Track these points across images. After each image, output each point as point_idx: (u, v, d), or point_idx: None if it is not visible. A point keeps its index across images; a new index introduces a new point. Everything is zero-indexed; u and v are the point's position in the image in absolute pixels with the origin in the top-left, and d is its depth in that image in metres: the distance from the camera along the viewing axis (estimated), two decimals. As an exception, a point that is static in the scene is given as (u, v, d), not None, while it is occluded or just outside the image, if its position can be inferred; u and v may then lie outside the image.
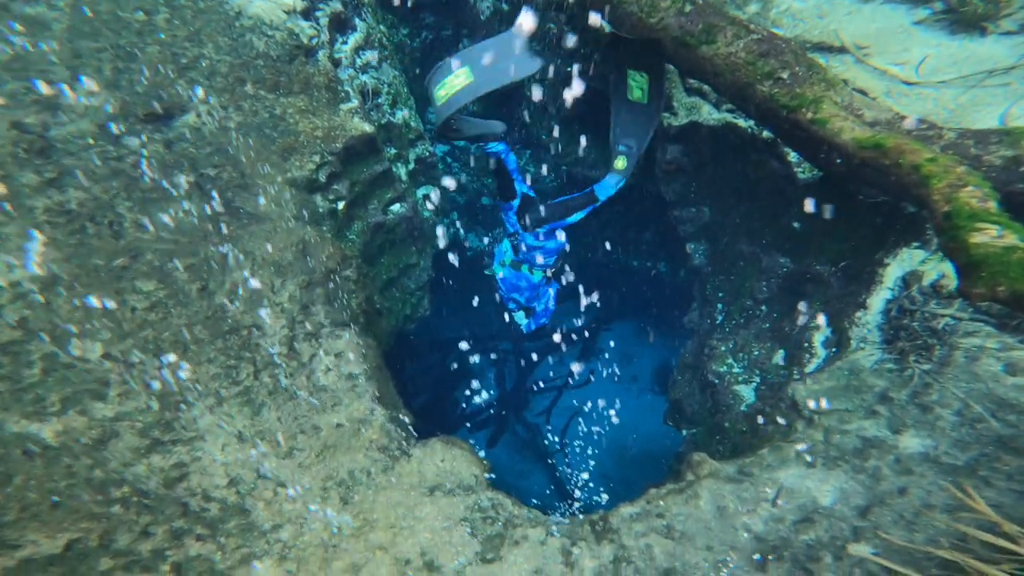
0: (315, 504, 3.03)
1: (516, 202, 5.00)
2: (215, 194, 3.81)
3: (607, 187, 5.15)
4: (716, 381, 5.42)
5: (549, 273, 5.33)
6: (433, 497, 3.24)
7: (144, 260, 3.26)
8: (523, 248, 5.08)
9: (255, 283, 3.50)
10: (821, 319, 4.49)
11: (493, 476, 3.65)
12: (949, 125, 3.58)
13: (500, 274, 5.31)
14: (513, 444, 11.21)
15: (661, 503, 3.37)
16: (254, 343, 3.39)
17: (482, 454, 3.68)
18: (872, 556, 2.98)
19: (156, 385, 2.99)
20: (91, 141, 3.27)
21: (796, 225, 4.76)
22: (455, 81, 4.10)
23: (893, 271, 3.82)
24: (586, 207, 5.22)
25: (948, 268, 3.57)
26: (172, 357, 3.08)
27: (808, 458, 3.46)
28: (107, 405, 2.89)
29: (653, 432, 10.73)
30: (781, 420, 4.02)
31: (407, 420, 3.99)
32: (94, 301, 2.93)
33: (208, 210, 3.66)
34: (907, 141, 2.92)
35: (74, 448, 2.78)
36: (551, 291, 5.54)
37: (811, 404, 3.67)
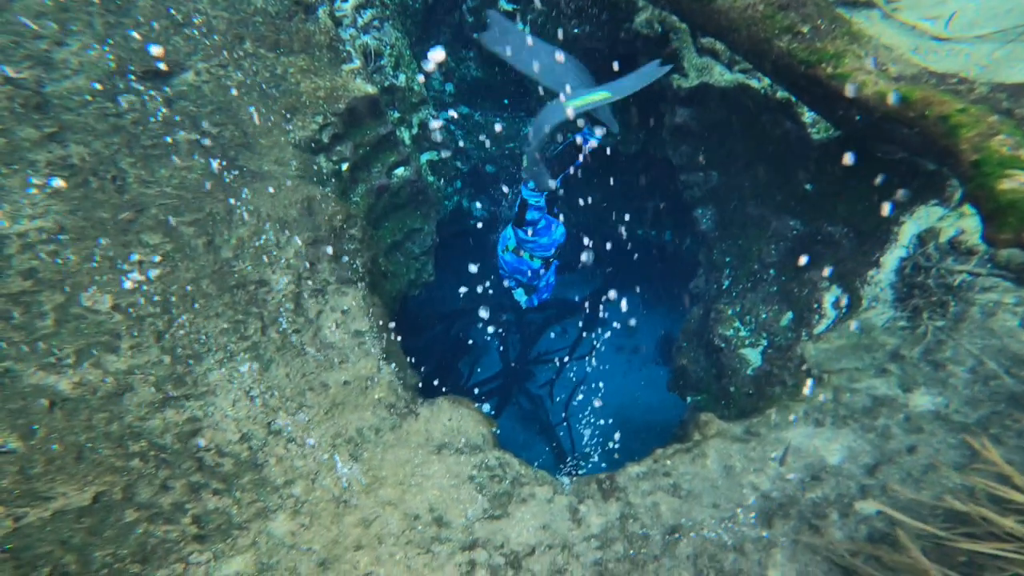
0: (327, 454, 3.03)
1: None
2: (218, 152, 3.71)
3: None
4: (722, 345, 5.37)
5: (549, 260, 5.50)
6: (441, 455, 3.22)
7: (149, 214, 3.19)
8: (527, 235, 5.25)
9: (261, 241, 3.43)
10: (828, 273, 4.40)
11: (498, 431, 3.64)
12: (981, 80, 3.42)
13: (504, 257, 5.52)
14: (516, 416, 11.27)
15: (668, 462, 3.35)
16: (261, 299, 3.34)
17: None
18: (877, 513, 2.96)
19: (166, 338, 2.95)
20: (89, 98, 3.17)
21: (808, 187, 4.64)
22: (594, 98, 4.60)
23: (909, 229, 3.72)
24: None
25: (967, 224, 3.47)
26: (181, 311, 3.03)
27: (815, 416, 3.42)
28: (120, 358, 2.86)
29: (656, 403, 10.76)
30: (789, 380, 3.98)
31: (412, 381, 3.96)
32: (101, 253, 2.88)
33: (211, 167, 3.57)
34: (935, 93, 2.79)
35: (91, 401, 2.76)
36: (551, 275, 5.74)
37: (805, 391, 3.61)
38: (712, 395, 5.73)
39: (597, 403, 10.83)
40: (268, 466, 2.94)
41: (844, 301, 4.30)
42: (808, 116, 4.71)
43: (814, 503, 3.09)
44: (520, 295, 6.01)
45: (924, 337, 3.42)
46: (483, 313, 9.82)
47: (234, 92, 3.85)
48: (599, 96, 4.68)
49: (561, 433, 10.17)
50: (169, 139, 3.42)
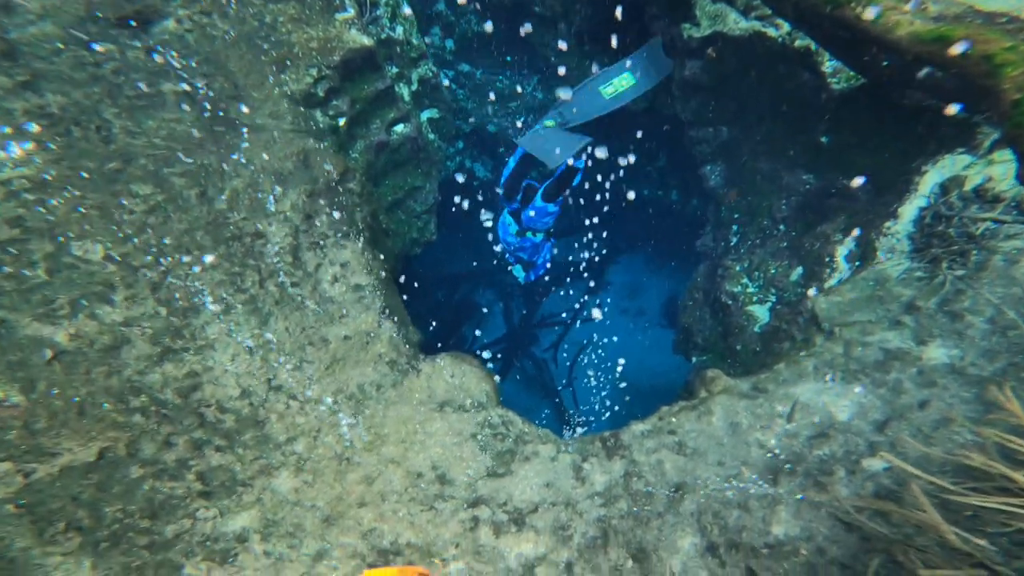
0: (328, 407, 2.96)
1: (516, 203, 5.76)
2: (207, 104, 3.52)
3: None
4: (729, 302, 5.23)
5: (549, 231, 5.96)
6: (443, 413, 3.15)
7: (138, 164, 3.04)
8: (529, 214, 5.70)
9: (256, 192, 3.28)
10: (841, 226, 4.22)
11: (499, 377, 3.56)
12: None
13: (507, 239, 5.99)
14: (521, 379, 11.25)
15: (673, 420, 3.26)
16: (258, 251, 3.22)
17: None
18: (885, 470, 2.88)
19: (162, 289, 2.84)
20: (60, 45, 2.97)
21: (824, 139, 4.40)
22: (621, 83, 5.29)
23: (931, 178, 3.51)
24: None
25: (995, 172, 3.26)
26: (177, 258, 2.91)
27: (826, 372, 3.31)
28: (115, 309, 2.77)
29: (661, 366, 10.70)
30: (799, 336, 3.86)
31: (414, 337, 3.87)
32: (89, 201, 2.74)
33: (201, 118, 3.39)
34: (980, 31, 2.54)
35: (89, 354, 2.68)
36: (549, 245, 6.19)
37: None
38: (718, 354, 5.64)
39: (618, 365, 10.74)
40: (270, 423, 2.88)
41: (858, 254, 4.13)
42: (828, 65, 4.42)
43: (821, 460, 3.00)
44: (518, 271, 6.41)
45: (942, 287, 3.26)
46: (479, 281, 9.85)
47: (220, 43, 3.62)
48: (627, 84, 5.42)
49: (566, 401, 10.16)
50: (154, 90, 3.22)
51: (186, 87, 3.37)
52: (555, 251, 6.41)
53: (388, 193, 5.44)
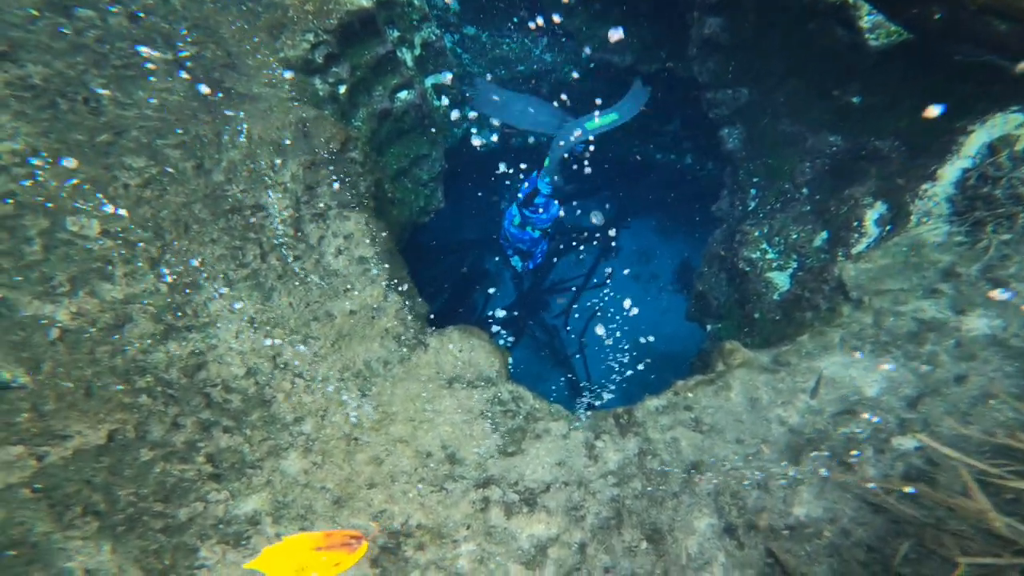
0: (334, 385, 2.83)
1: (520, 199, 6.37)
2: (200, 73, 3.28)
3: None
4: (747, 268, 4.97)
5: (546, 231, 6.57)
6: (452, 389, 3.01)
7: (130, 136, 2.84)
8: (533, 212, 6.31)
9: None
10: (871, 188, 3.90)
11: (511, 360, 3.41)
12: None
13: (510, 230, 6.55)
14: (531, 346, 11.13)
15: (689, 395, 3.08)
16: (258, 224, 3.04)
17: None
18: (917, 449, 2.68)
19: (163, 267, 2.69)
20: (35, 13, 2.73)
21: (856, 100, 4.02)
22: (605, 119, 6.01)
23: (978, 138, 3.17)
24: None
25: (1052, 127, 2.92)
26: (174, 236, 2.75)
27: (854, 345, 3.08)
28: (115, 286, 2.63)
29: (674, 332, 10.48)
30: (824, 305, 3.61)
31: (421, 310, 3.71)
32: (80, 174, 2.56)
33: (194, 88, 3.16)
34: None
35: (92, 333, 2.55)
36: (544, 244, 6.79)
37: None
38: (734, 322, 5.41)
39: (613, 330, 10.56)
40: (276, 402, 2.76)
41: (889, 218, 3.82)
42: (867, 20, 4.00)
43: (847, 438, 2.81)
44: (517, 262, 7.00)
45: (986, 252, 2.98)
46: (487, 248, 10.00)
47: (208, 7, 3.35)
48: (610, 119, 6.08)
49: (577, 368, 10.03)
50: (141, 59, 2.99)
51: (175, 56, 3.13)
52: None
53: (393, 161, 5.20)
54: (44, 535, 2.26)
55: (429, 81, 5.56)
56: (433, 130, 5.49)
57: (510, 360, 3.37)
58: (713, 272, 5.93)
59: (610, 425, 3.04)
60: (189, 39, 3.30)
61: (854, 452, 2.73)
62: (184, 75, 3.17)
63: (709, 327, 5.92)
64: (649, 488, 2.75)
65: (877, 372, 2.97)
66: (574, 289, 10.41)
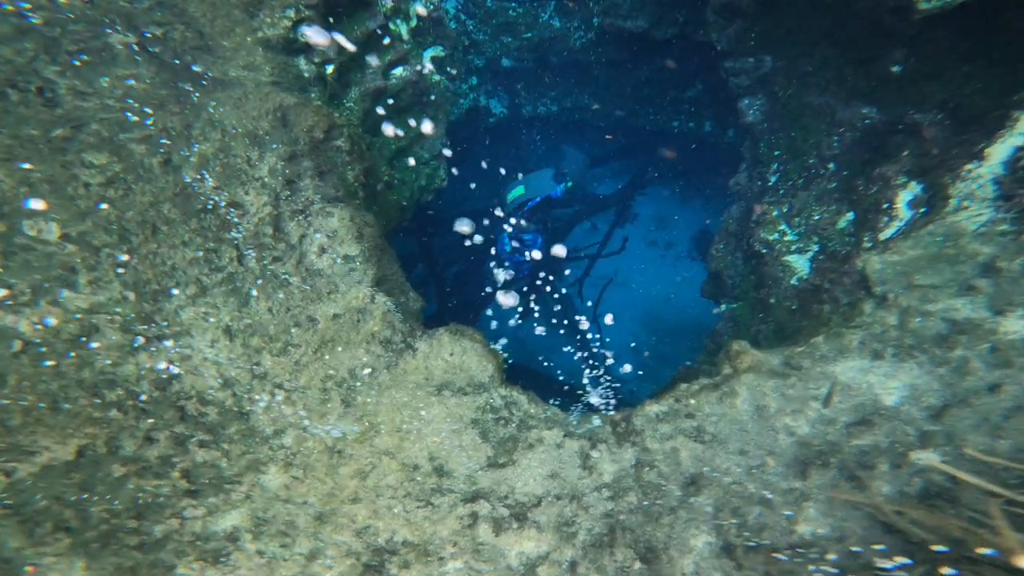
0: (317, 399, 2.68)
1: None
2: (168, 56, 3.03)
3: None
4: (764, 251, 4.61)
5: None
6: (441, 397, 2.84)
7: (89, 130, 2.64)
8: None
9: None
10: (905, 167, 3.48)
11: (510, 356, 3.21)
12: None
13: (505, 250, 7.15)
14: (545, 316, 10.90)
15: (692, 401, 2.85)
16: (234, 223, 2.84)
17: (497, 348, 3.20)
18: (939, 464, 2.42)
19: (128, 273, 2.53)
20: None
21: (896, 69, 3.55)
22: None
23: (1034, 114, 2.75)
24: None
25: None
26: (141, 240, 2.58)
27: (874, 348, 2.79)
28: (79, 295, 2.48)
29: (690, 302, 10.13)
30: (844, 299, 3.30)
31: (415, 305, 3.52)
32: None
33: (161, 74, 2.92)
34: None
35: (56, 345, 2.43)
36: (529, 266, 7.46)
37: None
38: (749, 303, 5.09)
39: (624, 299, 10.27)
40: (255, 414, 2.63)
41: (925, 200, 3.43)
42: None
43: (861, 451, 2.57)
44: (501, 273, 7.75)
45: (1033, 248, 2.62)
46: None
47: None
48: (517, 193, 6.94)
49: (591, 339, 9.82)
50: (100, 43, 2.75)
51: (137, 39, 2.88)
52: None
53: (391, 141, 4.90)
54: (16, 551, 2.21)
55: (428, 54, 5.18)
56: (433, 105, 5.15)
57: (507, 358, 3.18)
58: (728, 250, 5.58)
59: (607, 432, 2.85)
60: (153, 18, 3.03)
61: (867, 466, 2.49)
62: (150, 61, 2.92)
63: (724, 307, 5.61)
64: (645, 502, 2.58)
65: (898, 379, 2.69)
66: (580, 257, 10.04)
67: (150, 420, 2.48)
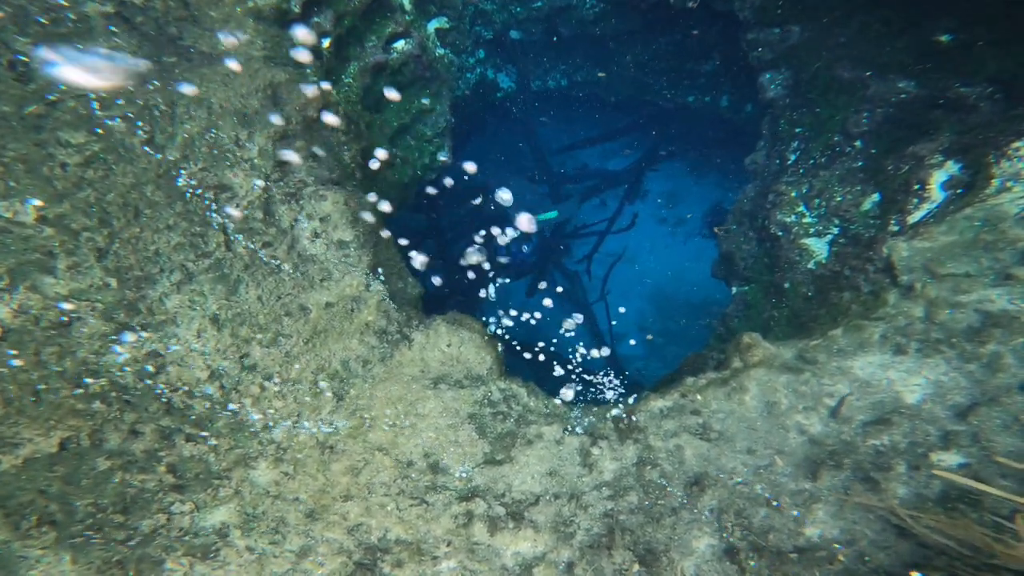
0: (309, 392, 2.58)
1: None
2: (151, 28, 2.85)
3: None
4: (780, 233, 4.38)
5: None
6: (437, 390, 2.72)
7: (66, 107, 2.49)
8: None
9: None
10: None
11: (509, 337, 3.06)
12: None
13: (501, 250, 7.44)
14: (553, 292, 10.75)
15: (698, 397, 2.70)
16: (221, 207, 2.71)
17: (492, 334, 3.06)
18: (960, 466, 2.25)
19: (110, 257, 2.42)
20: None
21: (945, 38, 3.23)
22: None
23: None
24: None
25: None
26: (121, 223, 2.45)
27: (898, 343, 2.59)
28: (58, 280, 2.37)
29: (701, 280, 9.91)
30: (866, 287, 3.09)
31: (413, 291, 3.38)
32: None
33: (143, 46, 2.75)
34: None
35: (36, 333, 2.33)
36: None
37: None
38: (762, 287, 4.88)
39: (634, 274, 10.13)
40: (244, 408, 2.54)
41: (962, 181, 3.16)
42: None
43: (877, 451, 2.41)
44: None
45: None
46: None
47: None
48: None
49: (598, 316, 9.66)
50: (75, 12, 2.58)
51: (117, 8, 2.70)
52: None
53: (393, 118, 4.70)
54: (3, 543, 2.16)
55: (432, 25, 4.91)
56: (437, 80, 4.92)
57: (502, 351, 3.05)
58: (742, 231, 5.33)
59: (609, 429, 2.72)
60: None
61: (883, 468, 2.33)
62: (130, 32, 2.74)
63: (735, 289, 5.40)
64: (646, 502, 2.46)
65: (922, 375, 2.50)
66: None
67: (135, 413, 2.40)
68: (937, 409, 2.43)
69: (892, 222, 3.44)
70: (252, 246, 2.72)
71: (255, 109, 2.95)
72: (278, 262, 2.76)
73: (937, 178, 3.19)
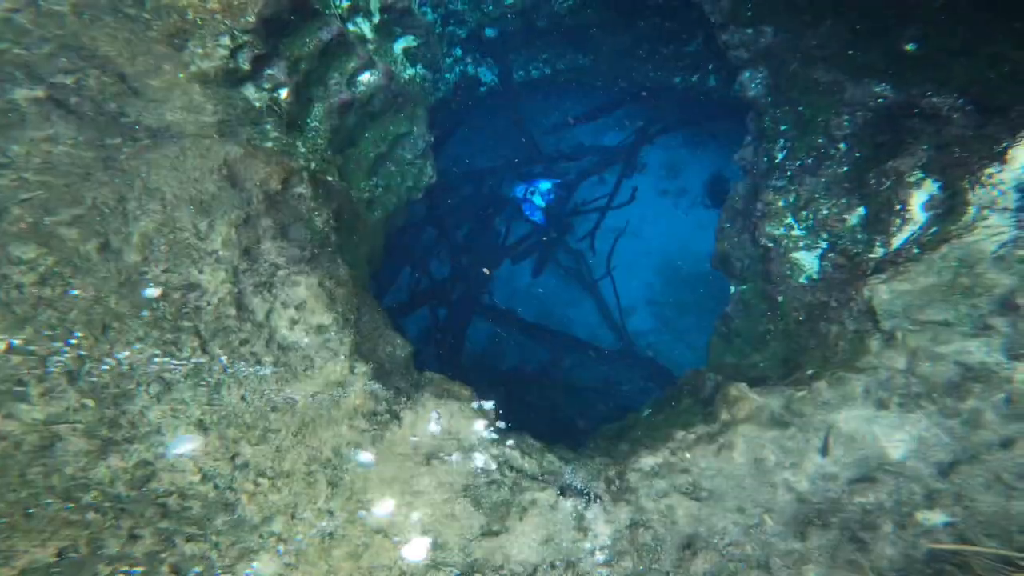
0: (302, 484, 2.64)
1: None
2: (89, 109, 2.73)
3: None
4: (770, 245, 4.31)
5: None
6: (430, 466, 2.77)
7: (10, 218, 2.43)
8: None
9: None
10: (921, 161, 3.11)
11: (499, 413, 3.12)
12: None
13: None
14: (559, 270, 10.72)
15: (687, 455, 2.74)
16: (192, 307, 2.69)
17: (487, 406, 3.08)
18: (945, 525, 2.30)
19: (82, 379, 2.43)
20: None
21: (911, 47, 3.06)
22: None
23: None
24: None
25: None
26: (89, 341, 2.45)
27: (880, 396, 2.59)
28: (33, 407, 2.39)
29: (707, 249, 9.83)
30: (850, 325, 3.06)
31: (402, 353, 3.39)
32: None
33: (83, 132, 2.65)
34: None
35: (18, 456, 2.37)
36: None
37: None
38: (758, 288, 4.85)
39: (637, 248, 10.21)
40: (240, 504, 2.60)
41: (942, 202, 3.07)
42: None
43: (864, 510, 2.45)
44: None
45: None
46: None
47: (72, 20, 2.70)
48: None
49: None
50: (4, 101, 2.47)
51: (45, 91, 2.58)
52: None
53: (369, 149, 4.57)
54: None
55: (399, 46, 4.68)
56: (411, 103, 4.74)
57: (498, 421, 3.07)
58: (736, 230, 5.25)
59: (601, 489, 2.78)
60: (59, 66, 2.70)
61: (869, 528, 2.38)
62: (68, 117, 2.61)
63: (733, 289, 5.38)
64: (640, 568, 2.54)
65: (905, 430, 2.51)
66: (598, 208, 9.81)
67: (131, 519, 2.46)
68: (920, 466, 2.45)
69: (877, 243, 3.37)
70: (229, 345, 2.71)
71: (212, 194, 2.87)
72: (257, 358, 2.76)
73: (918, 198, 3.10)
